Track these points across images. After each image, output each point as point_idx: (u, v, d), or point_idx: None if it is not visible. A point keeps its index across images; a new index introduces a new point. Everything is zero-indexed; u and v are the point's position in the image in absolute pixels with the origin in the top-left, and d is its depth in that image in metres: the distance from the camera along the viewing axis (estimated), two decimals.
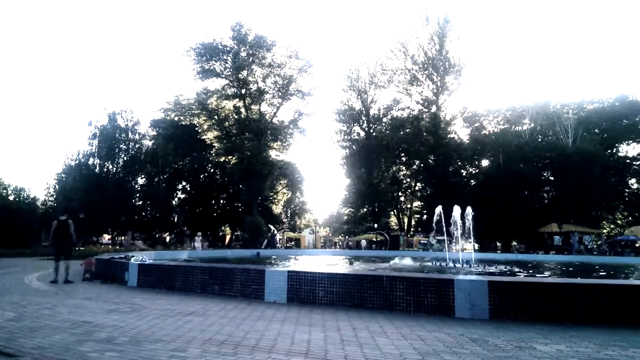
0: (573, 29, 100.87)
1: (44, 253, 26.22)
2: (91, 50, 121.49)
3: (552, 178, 42.32)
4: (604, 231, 41.91)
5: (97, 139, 40.47)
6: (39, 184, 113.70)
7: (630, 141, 44.26)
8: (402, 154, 51.39)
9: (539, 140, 44.09)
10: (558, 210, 37.22)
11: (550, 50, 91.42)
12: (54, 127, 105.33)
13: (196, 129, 48.21)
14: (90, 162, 40.28)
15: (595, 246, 37.25)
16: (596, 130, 44.39)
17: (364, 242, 43.14)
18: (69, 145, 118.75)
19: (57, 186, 40.92)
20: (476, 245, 32.54)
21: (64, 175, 40.53)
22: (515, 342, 4.97)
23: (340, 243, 47.52)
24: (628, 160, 44.14)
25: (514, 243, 42.48)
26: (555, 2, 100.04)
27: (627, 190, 43.55)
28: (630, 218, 43.15)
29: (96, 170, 40.04)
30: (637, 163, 44.04)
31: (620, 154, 44.71)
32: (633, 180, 44.33)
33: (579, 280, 7.89)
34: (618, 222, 44.60)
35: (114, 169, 41.20)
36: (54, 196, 41.09)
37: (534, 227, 36.34)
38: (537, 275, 14.14)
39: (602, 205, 40.20)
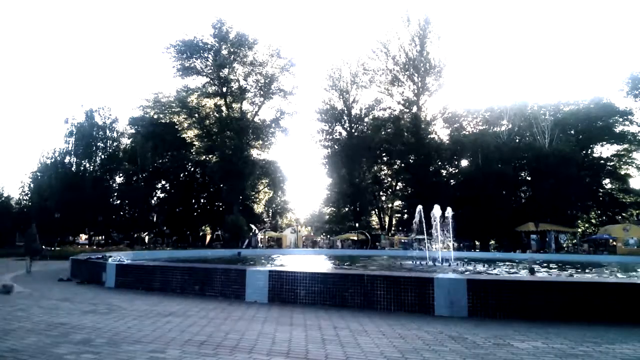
0: (550, 32, 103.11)
1: (18, 253, 25.55)
2: (68, 45, 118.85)
3: (529, 178, 43.20)
4: (579, 230, 42.91)
5: (74, 136, 39.65)
6: (13, 182, 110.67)
7: (605, 142, 45.46)
8: (384, 154, 51.74)
9: (517, 141, 44.97)
10: (535, 210, 37.99)
11: (527, 52, 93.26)
12: (29, 124, 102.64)
13: (176, 127, 47.58)
14: (66, 160, 39.45)
15: (570, 245, 38.14)
16: (572, 131, 45.43)
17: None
18: (44, 143, 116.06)
19: (32, 185, 39.95)
20: (455, 244, 33.03)
21: (39, 174, 39.60)
22: (493, 339, 5.05)
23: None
24: (602, 161, 45.35)
25: (492, 242, 43.20)
26: (533, 6, 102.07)
27: (601, 190, 44.68)
28: (604, 217, 44.26)
29: (73, 169, 39.24)
30: (611, 164, 45.27)
31: (594, 155, 45.89)
32: (607, 180, 45.55)
33: (555, 278, 8.08)
34: (592, 221, 45.70)
35: (91, 167, 40.42)
36: (29, 195, 40.11)
37: (511, 226, 37.00)
38: (514, 273, 14.42)
39: (577, 205, 41.15)
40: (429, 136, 47.32)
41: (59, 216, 34.10)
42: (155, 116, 49.55)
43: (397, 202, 52.75)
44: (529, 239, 36.43)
